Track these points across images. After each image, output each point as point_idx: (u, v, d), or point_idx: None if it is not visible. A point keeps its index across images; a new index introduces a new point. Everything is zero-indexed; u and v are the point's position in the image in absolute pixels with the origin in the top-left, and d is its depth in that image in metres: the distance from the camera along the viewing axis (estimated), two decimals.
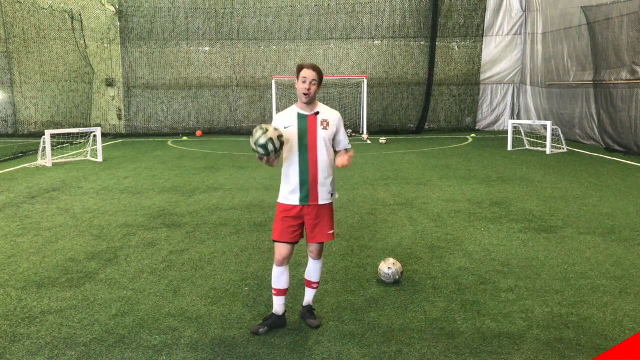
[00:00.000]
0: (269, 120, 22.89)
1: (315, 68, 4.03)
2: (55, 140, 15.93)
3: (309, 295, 4.42)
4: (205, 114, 23.53)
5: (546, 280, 5.23)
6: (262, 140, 3.84)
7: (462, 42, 23.04)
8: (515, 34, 22.93)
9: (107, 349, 3.96)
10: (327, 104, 4.67)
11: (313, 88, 4.01)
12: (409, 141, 19.28)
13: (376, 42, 23.11)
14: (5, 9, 21.55)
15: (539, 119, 20.48)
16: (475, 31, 22.92)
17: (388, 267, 5.16)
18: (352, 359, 3.80)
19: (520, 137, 16.63)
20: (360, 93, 22.46)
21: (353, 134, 21.70)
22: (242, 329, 4.26)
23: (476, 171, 12.10)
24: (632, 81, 14.56)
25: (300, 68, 4.05)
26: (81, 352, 3.92)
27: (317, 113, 4.12)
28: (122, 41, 23.01)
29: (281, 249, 4.16)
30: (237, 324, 4.37)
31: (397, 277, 5.15)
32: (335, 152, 4.24)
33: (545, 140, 15.40)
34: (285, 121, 4.11)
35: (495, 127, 23.58)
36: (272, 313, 4.28)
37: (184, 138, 21.63)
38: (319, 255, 4.31)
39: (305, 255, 4.64)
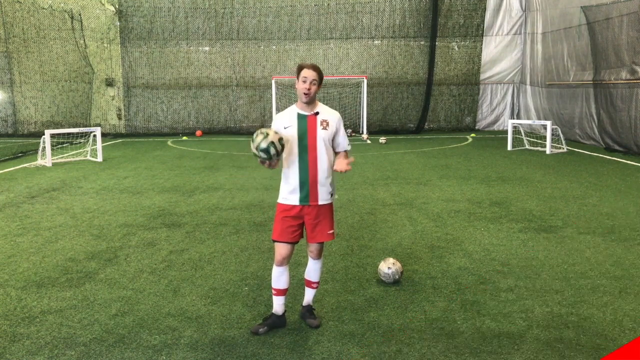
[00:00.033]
0: (268, 120, 22.92)
1: (315, 68, 4.03)
2: (55, 140, 15.94)
3: (309, 295, 4.42)
4: (205, 114, 23.54)
5: (546, 280, 5.23)
6: (263, 145, 3.85)
7: (462, 42, 23.04)
8: (515, 34, 22.93)
9: (107, 349, 3.96)
10: (327, 104, 4.67)
11: (313, 88, 4.02)
12: (409, 141, 19.28)
13: (376, 42, 23.11)
14: (5, 9, 21.55)
15: (539, 119, 20.48)
16: (475, 31, 22.92)
17: (388, 267, 5.16)
18: (352, 359, 3.80)
19: (520, 137, 16.63)
20: (360, 93, 22.46)
21: (353, 134, 21.71)
22: (242, 329, 4.26)
23: (476, 171, 12.10)
24: (632, 81, 14.56)
25: (300, 68, 4.05)
26: (81, 352, 3.93)
27: (317, 113, 4.12)
28: (122, 41, 23.01)
29: (281, 249, 4.17)
30: (237, 324, 4.37)
31: (397, 277, 5.15)
32: (336, 153, 4.24)
33: (545, 140, 15.41)
34: (285, 121, 4.11)
35: (495, 127, 23.58)
36: (272, 313, 4.28)
37: (184, 138, 21.63)
38: (319, 255, 4.31)
39: (305, 255, 4.64)
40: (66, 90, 22.52)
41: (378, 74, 23.18)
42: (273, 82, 21.56)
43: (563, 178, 11.03)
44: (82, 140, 16.89)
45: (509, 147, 16.09)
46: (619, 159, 13.70)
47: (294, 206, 4.13)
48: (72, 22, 21.94)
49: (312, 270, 4.35)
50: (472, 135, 21.41)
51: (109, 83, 23.29)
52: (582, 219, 7.62)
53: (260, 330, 4.17)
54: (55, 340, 4.11)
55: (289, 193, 4.14)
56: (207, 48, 23.16)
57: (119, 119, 23.58)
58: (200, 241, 6.74)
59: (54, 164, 13.72)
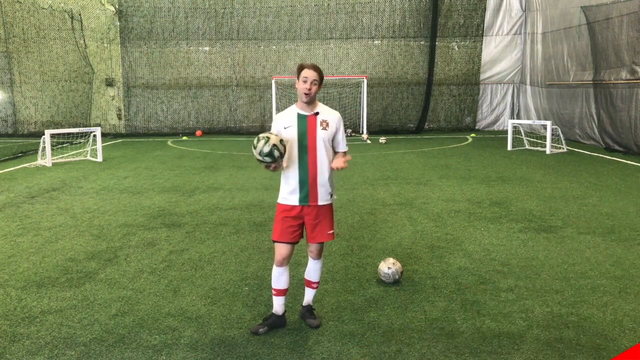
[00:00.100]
0: (268, 120, 22.93)
1: (316, 68, 4.03)
2: (55, 140, 15.94)
3: (309, 295, 4.42)
4: (205, 114, 23.54)
5: (546, 280, 5.23)
6: (266, 149, 3.85)
7: (462, 42, 23.04)
8: (515, 34, 22.93)
9: (107, 349, 3.96)
10: (327, 104, 4.67)
11: (314, 88, 4.02)
12: (409, 141, 19.28)
13: (376, 42, 23.11)
14: (5, 9, 21.55)
15: (539, 119, 20.48)
16: (475, 31, 22.92)
17: (388, 267, 5.16)
18: (352, 359, 3.80)
19: (520, 137, 16.63)
20: (360, 93, 22.46)
21: (353, 134, 21.71)
22: (242, 329, 4.26)
23: (476, 171, 12.10)
24: (632, 81, 14.56)
25: (301, 68, 4.05)
26: (81, 352, 3.93)
27: (317, 113, 4.12)
28: (122, 41, 23.01)
29: (281, 249, 4.17)
30: (237, 324, 4.37)
31: (397, 277, 5.15)
32: (335, 153, 4.25)
33: (545, 140, 15.41)
34: (285, 121, 4.11)
35: (495, 127, 23.58)
36: (272, 313, 4.29)
37: (184, 138, 21.63)
38: (319, 256, 4.31)
39: (305, 255, 4.64)
40: (66, 90, 22.52)
41: (378, 74, 23.18)
42: (273, 82, 21.56)
43: (563, 178, 11.03)
44: (82, 140, 16.89)
45: (509, 147, 16.09)
46: (619, 159, 13.70)
47: (294, 206, 4.13)
48: (72, 22, 21.94)
49: (312, 270, 4.35)
50: (472, 135, 21.41)
51: (109, 83, 23.29)
52: (582, 219, 7.62)
53: (260, 330, 4.17)
54: (55, 340, 4.11)
55: (288, 193, 4.14)
56: (207, 48, 23.16)
57: (119, 119, 23.58)
58: (200, 241, 6.74)
59: (54, 164, 13.72)
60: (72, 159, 14.70)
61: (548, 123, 15.43)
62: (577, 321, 4.33)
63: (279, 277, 4.22)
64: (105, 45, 22.98)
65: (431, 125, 23.56)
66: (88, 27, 22.48)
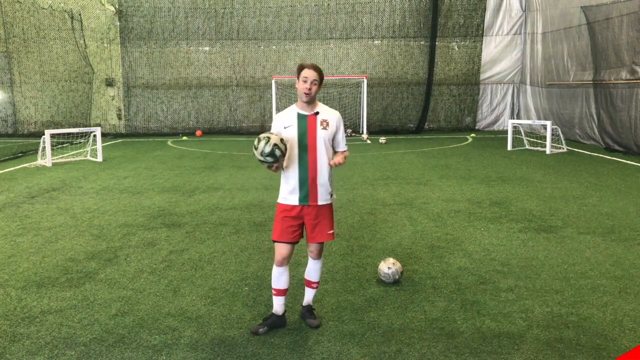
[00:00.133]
0: (268, 120, 22.93)
1: (316, 68, 4.03)
2: (55, 140, 15.94)
3: (309, 295, 4.42)
4: (205, 114, 23.54)
5: (546, 280, 5.23)
6: (268, 149, 3.86)
7: (462, 42, 23.04)
8: (515, 34, 22.93)
9: (107, 349, 3.96)
10: (327, 104, 4.67)
11: (314, 88, 4.02)
12: (409, 141, 19.28)
13: (376, 42, 23.11)
14: (5, 9, 21.55)
15: (539, 119, 20.48)
16: (475, 31, 22.92)
17: (388, 267, 5.16)
18: (352, 359, 3.80)
19: (520, 137, 16.63)
20: (360, 93, 22.46)
21: (353, 134, 21.71)
22: (242, 329, 4.26)
23: (476, 171, 12.10)
24: (632, 81, 14.56)
25: (301, 68, 4.05)
26: (81, 352, 3.93)
27: (317, 113, 4.12)
28: (122, 41, 23.01)
29: (281, 249, 4.17)
30: (237, 324, 4.37)
31: (397, 277, 5.15)
32: (335, 152, 4.25)
33: (545, 140, 15.41)
34: (285, 121, 4.11)
35: (495, 127, 23.58)
36: (272, 313, 4.29)
37: (184, 138, 21.63)
38: (319, 256, 4.31)
39: (305, 255, 4.64)
40: (66, 90, 22.52)
41: (378, 74, 23.18)
42: (273, 82, 21.56)
43: (563, 178, 11.03)
44: (82, 140, 16.89)
45: (509, 147, 16.09)
46: (619, 159, 13.70)
47: (294, 206, 4.13)
48: (72, 22, 21.94)
49: (312, 270, 4.35)
50: (472, 135, 21.41)
51: (109, 83, 23.29)
52: (582, 219, 7.62)
53: (260, 330, 4.17)
54: (55, 340, 4.11)
55: (288, 193, 4.14)
56: (207, 48, 23.16)
57: (119, 119, 23.58)
58: (200, 241, 6.74)
59: (54, 164, 13.72)
60: (72, 159, 14.70)
61: (548, 123, 15.43)
62: (577, 321, 4.33)
63: (279, 277, 4.23)
64: (105, 45, 22.98)
65: (431, 125, 23.56)
66: (88, 27, 22.48)
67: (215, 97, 23.46)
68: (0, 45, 21.91)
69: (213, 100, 23.48)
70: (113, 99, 23.51)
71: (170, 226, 7.51)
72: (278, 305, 4.27)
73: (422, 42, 23.01)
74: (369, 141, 19.37)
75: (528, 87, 22.20)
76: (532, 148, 16.00)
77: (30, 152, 15.98)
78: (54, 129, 17.60)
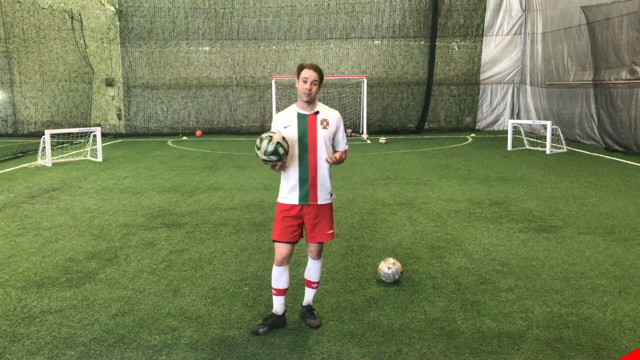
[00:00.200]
0: (268, 120, 22.93)
1: (316, 68, 4.03)
2: (55, 140, 15.94)
3: (309, 295, 4.42)
4: (205, 114, 23.54)
5: (546, 280, 5.23)
6: (271, 148, 3.86)
7: (462, 42, 23.04)
8: (515, 34, 22.93)
9: (107, 349, 3.96)
10: (327, 104, 4.67)
11: (314, 88, 4.02)
12: (409, 141, 19.28)
13: (376, 42, 23.11)
14: (5, 9, 21.55)
15: (539, 119, 20.48)
16: (475, 31, 22.92)
17: (388, 267, 5.16)
18: (352, 359, 3.80)
19: (520, 137, 16.63)
20: (360, 93, 22.46)
21: (353, 134, 21.70)
22: (242, 329, 4.26)
23: (476, 171, 12.10)
24: (632, 81, 14.56)
25: (301, 68, 4.05)
26: (81, 352, 3.93)
27: (317, 113, 4.12)
28: (122, 41, 23.01)
29: (281, 249, 4.17)
30: (237, 324, 4.37)
31: (397, 277, 5.15)
32: (335, 152, 4.25)
33: (545, 140, 15.41)
34: (285, 121, 4.11)
35: (495, 127, 23.58)
36: (272, 313, 4.29)
37: (184, 138, 21.63)
38: (318, 255, 4.31)
39: (305, 255, 4.64)
40: (66, 90, 22.52)
41: (378, 74, 23.18)
42: (273, 82, 21.56)
43: (563, 178, 11.03)
44: (82, 140, 16.89)
45: (509, 147, 16.09)
46: (619, 159, 13.70)
47: (294, 206, 4.13)
48: (72, 22, 21.94)
49: (312, 270, 4.35)
50: (472, 135, 21.41)
51: (109, 83, 23.29)
52: (582, 219, 7.62)
53: (260, 330, 4.17)
54: (55, 340, 4.11)
55: (288, 192, 4.14)
56: (207, 48, 23.16)
57: (119, 119, 23.58)
58: (200, 241, 6.74)
59: (54, 164, 13.72)
60: (72, 159, 14.70)
61: (548, 123, 15.43)
62: (577, 321, 4.33)
63: (279, 277, 4.23)
64: (105, 45, 22.98)
65: (431, 125, 23.56)
66: (88, 27, 22.48)
67: (215, 97, 23.46)
68: (0, 45, 21.92)
69: (213, 100, 23.48)
70: (113, 99, 23.51)
71: (170, 226, 7.51)
72: (278, 305, 4.27)
73: (422, 42, 23.01)
74: (369, 141, 19.37)
75: (528, 87, 22.20)
76: (532, 148, 16.00)
77: (30, 152, 15.98)
78: (54, 129, 17.60)
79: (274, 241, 4.20)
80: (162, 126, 23.51)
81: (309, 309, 4.39)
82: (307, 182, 4.09)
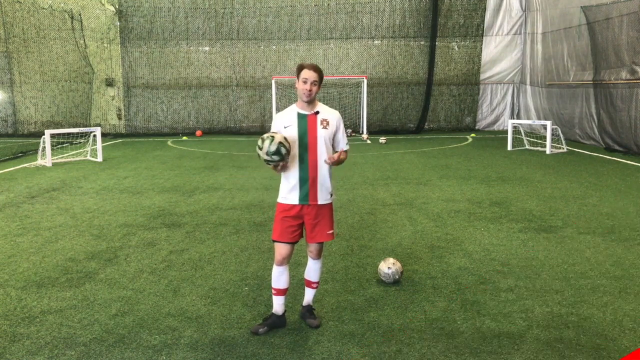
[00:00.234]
0: (268, 120, 22.93)
1: (316, 69, 4.03)
2: (55, 140, 15.94)
3: (309, 295, 4.42)
4: (205, 114, 23.54)
5: (546, 280, 5.23)
6: (273, 148, 3.86)
7: (462, 42, 23.04)
8: (515, 34, 22.93)
9: (107, 349, 3.96)
10: (327, 104, 4.68)
11: (314, 89, 4.02)
12: (409, 141, 19.28)
13: (376, 42, 23.11)
14: (5, 9, 21.55)
15: (539, 119, 20.48)
16: (475, 31, 22.92)
17: (388, 267, 5.16)
18: (352, 359, 3.80)
19: (520, 137, 16.63)
20: (360, 93, 22.46)
21: (353, 134, 21.70)
22: (242, 329, 4.26)
23: (476, 171, 12.10)
24: (632, 81, 14.56)
25: (300, 68, 4.04)
26: (81, 352, 3.93)
27: (317, 112, 4.12)
28: (122, 41, 23.01)
29: (281, 249, 4.17)
30: (237, 324, 4.37)
31: (397, 277, 5.15)
32: (335, 152, 4.25)
33: (545, 140, 15.40)
34: (285, 121, 4.11)
35: (495, 127, 23.58)
36: (272, 313, 4.29)
37: (184, 138, 21.63)
38: (318, 255, 4.31)
39: (305, 255, 4.64)
40: (66, 90, 22.52)
41: (378, 74, 23.18)
42: (273, 82, 21.56)
43: (563, 178, 11.03)
44: (82, 140, 16.89)
45: (509, 147, 16.09)
46: (619, 159, 13.70)
47: (294, 205, 4.13)
48: (72, 22, 21.94)
49: (312, 270, 4.35)
50: (472, 135, 21.41)
51: (109, 83, 23.29)
52: (582, 219, 7.62)
53: (260, 330, 4.17)
54: (55, 340, 4.11)
55: (288, 192, 4.14)
56: (207, 48, 23.16)
57: (119, 119, 23.58)
58: (200, 241, 6.74)
59: (54, 164, 13.72)
60: (72, 159, 14.70)
61: (548, 123, 15.43)
62: (577, 321, 4.33)
63: (279, 277, 4.23)
64: (105, 45, 22.98)
65: (431, 125, 23.56)
66: (88, 27, 22.48)
67: (215, 97, 23.46)
68: (0, 45, 21.91)
69: (213, 100, 23.48)
70: (113, 99, 23.51)
71: (170, 226, 7.51)
72: (278, 305, 4.27)
73: (422, 42, 23.01)
74: (369, 141, 19.37)
75: (528, 87, 22.20)
76: (532, 148, 16.00)
77: (30, 152, 15.98)
78: (54, 129, 17.60)
79: (274, 241, 4.20)
80: (162, 126, 23.51)
81: (309, 309, 4.39)
82: (307, 182, 4.09)
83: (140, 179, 11.53)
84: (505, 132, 18.59)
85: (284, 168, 4.06)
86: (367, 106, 22.09)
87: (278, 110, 20.78)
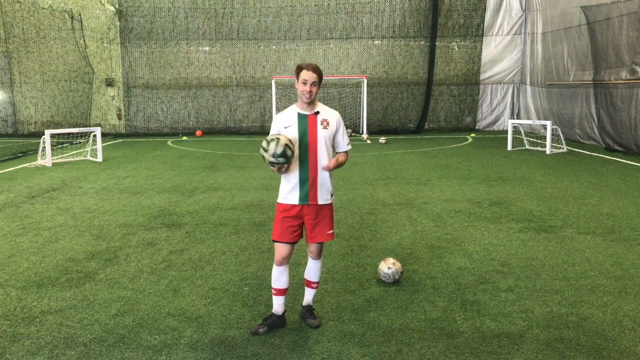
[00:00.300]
0: (268, 120, 22.93)
1: (315, 69, 4.03)
2: (55, 140, 15.94)
3: (309, 295, 4.42)
4: (205, 114, 23.54)
5: (546, 280, 5.23)
6: (279, 150, 3.85)
7: (462, 42, 23.04)
8: (515, 34, 22.93)
9: (107, 349, 3.96)
10: (327, 104, 4.69)
11: (314, 90, 4.02)
12: (409, 141, 19.29)
13: (376, 42, 23.11)
14: (5, 9, 21.55)
15: (539, 119, 20.48)
16: (475, 31, 22.92)
17: (388, 267, 5.16)
18: (352, 359, 3.79)
19: (520, 137, 16.63)
20: (360, 93, 22.46)
21: (353, 134, 21.70)
22: (242, 329, 4.26)
23: (476, 171, 12.10)
24: (632, 81, 14.56)
25: (300, 69, 4.04)
26: (81, 352, 3.93)
27: (317, 113, 4.12)
28: (122, 41, 23.01)
29: (281, 249, 4.17)
30: (237, 324, 4.37)
31: (397, 277, 5.15)
32: (336, 153, 4.25)
33: (545, 140, 15.41)
34: (285, 121, 4.11)
35: (495, 127, 23.58)
36: (272, 313, 4.29)
37: (184, 138, 21.63)
38: (318, 255, 4.31)
39: (305, 255, 4.64)
40: (66, 90, 22.52)
41: (378, 74, 23.18)
42: (273, 82, 21.56)
43: (563, 178, 11.03)
44: (82, 140, 16.89)
45: (509, 147, 16.09)
46: (619, 159, 13.70)
47: (294, 206, 4.13)
48: (72, 22, 21.94)
49: (312, 270, 4.35)
50: (472, 135, 21.41)
51: (109, 83, 23.29)
52: (582, 219, 7.62)
53: (260, 330, 4.17)
54: (55, 340, 4.11)
55: (288, 192, 4.14)
56: (207, 48, 23.16)
57: (119, 119, 23.58)
58: (200, 241, 6.74)
59: (54, 164, 13.72)
60: (72, 159, 14.70)
61: (548, 123, 15.43)
62: (577, 321, 4.33)
63: (279, 277, 4.23)
64: (105, 45, 22.98)
65: (431, 125, 23.56)
66: (88, 27, 22.48)
67: (215, 97, 23.46)
68: (0, 45, 21.91)
69: (213, 100, 23.48)
70: (113, 99, 23.51)
71: (170, 226, 7.51)
72: (278, 305, 4.27)
73: (422, 42, 23.01)
74: (369, 141, 19.37)
75: (528, 87, 22.20)
76: (532, 148, 16.00)
77: (30, 152, 15.98)
78: (54, 129, 17.60)
79: (274, 241, 4.20)
80: (162, 126, 23.51)
81: (309, 309, 4.39)
82: (307, 182, 4.09)
83: (140, 179, 11.53)
84: (505, 132, 18.59)
85: (287, 170, 4.06)
86: (367, 106, 22.09)
87: (278, 110, 20.79)
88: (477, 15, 22.80)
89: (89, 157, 14.84)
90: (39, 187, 10.61)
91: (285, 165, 3.98)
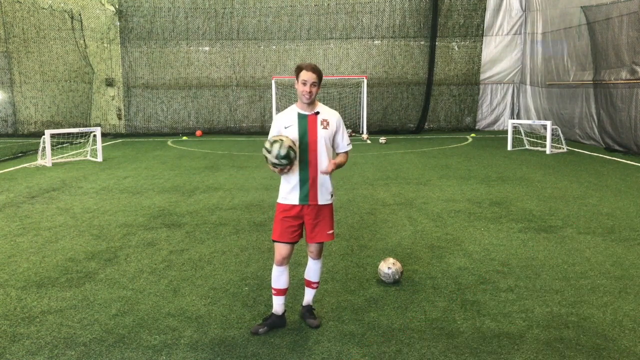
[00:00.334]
0: (268, 120, 22.93)
1: (315, 70, 4.02)
2: (55, 140, 15.94)
3: (309, 295, 4.42)
4: (205, 114, 23.54)
5: (546, 280, 5.23)
6: (283, 152, 3.86)
7: (462, 42, 23.04)
8: (515, 34, 22.94)
9: (107, 349, 3.96)
10: (327, 104, 4.69)
11: (314, 90, 4.02)
12: (409, 141, 19.29)
13: (376, 42, 23.11)
14: (5, 9, 21.55)
15: (539, 119, 20.48)
16: (475, 31, 22.92)
17: (388, 267, 5.16)
18: (352, 359, 3.80)
19: (520, 137, 16.63)
20: (360, 93, 22.46)
21: (353, 134, 21.70)
22: (242, 329, 4.26)
23: (476, 171, 12.10)
24: (632, 81, 14.56)
25: (299, 70, 4.04)
26: (81, 352, 3.93)
27: (317, 113, 4.12)
28: (122, 41, 23.01)
29: (281, 249, 4.17)
30: (237, 324, 4.37)
31: (397, 277, 5.15)
32: (337, 154, 4.26)
33: (545, 140, 15.41)
34: (285, 121, 4.11)
35: (495, 127, 23.59)
36: (272, 313, 4.29)
37: (184, 138, 21.63)
38: (318, 256, 4.31)
39: (305, 255, 4.64)
40: (66, 90, 22.52)
41: (378, 74, 23.18)
42: (273, 82, 21.56)
43: (563, 178, 11.03)
44: (82, 140, 16.89)
45: (509, 147, 16.09)
46: (619, 159, 13.70)
47: (294, 206, 4.13)
48: (72, 22, 21.94)
49: (312, 270, 4.35)
50: (472, 135, 21.41)
51: (109, 83, 23.29)
52: (582, 219, 7.62)
53: (260, 330, 4.17)
54: (55, 340, 4.11)
55: (288, 192, 4.14)
56: (207, 48, 23.16)
57: (119, 119, 23.58)
58: (200, 241, 6.74)
59: (54, 164, 13.72)
60: (72, 159, 14.70)
61: (548, 123, 15.43)
62: (577, 321, 4.33)
63: (279, 277, 4.23)
64: (105, 45, 22.98)
65: (431, 125, 23.56)
66: (88, 27, 22.48)
67: (215, 97, 23.46)
68: (0, 45, 21.91)
69: (213, 100, 23.48)
70: (113, 99, 23.51)
71: (170, 226, 7.51)
72: (278, 305, 4.27)
73: (422, 42, 23.02)
74: (369, 141, 19.37)
75: (528, 87, 22.20)
76: (532, 148, 16.00)
77: (30, 152, 15.98)
78: (54, 129, 17.60)
79: (274, 241, 4.20)
80: (162, 126, 23.51)
81: (309, 309, 4.40)
82: (308, 183, 4.09)
83: (140, 179, 11.53)
84: (505, 132, 18.59)
85: (289, 172, 4.05)
86: (367, 106, 22.09)
87: (278, 110, 20.79)
88: (477, 15, 22.80)
89: (89, 157, 14.84)
90: (39, 187, 10.61)
91: (288, 167, 3.98)
